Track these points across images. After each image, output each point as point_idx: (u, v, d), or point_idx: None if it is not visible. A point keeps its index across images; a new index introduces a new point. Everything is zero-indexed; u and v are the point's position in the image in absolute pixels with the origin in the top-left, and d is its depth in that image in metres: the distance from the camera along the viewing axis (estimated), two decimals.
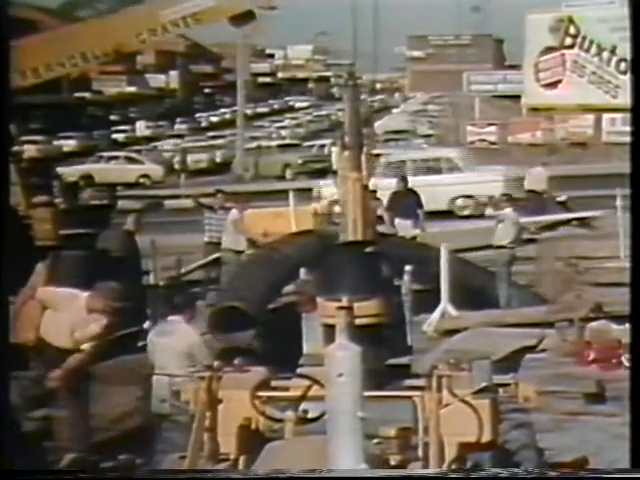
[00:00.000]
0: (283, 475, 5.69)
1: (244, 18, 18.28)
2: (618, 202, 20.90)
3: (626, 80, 38.94)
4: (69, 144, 50.43)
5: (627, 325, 15.00)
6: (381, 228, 16.05)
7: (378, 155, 31.53)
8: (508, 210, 19.04)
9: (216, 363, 6.98)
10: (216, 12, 17.58)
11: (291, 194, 24.80)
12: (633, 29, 6.83)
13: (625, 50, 38.73)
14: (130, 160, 45.64)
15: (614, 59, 39.56)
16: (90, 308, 11.90)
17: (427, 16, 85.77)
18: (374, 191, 15.21)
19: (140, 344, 15.01)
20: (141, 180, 43.38)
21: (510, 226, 18.77)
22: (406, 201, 21.74)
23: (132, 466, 10.29)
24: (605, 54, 39.75)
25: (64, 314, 12.14)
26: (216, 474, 6.04)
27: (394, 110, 67.11)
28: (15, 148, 17.73)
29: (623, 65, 39.19)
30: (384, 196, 20.19)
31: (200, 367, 9.73)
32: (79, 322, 12.31)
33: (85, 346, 11.79)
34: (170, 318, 11.43)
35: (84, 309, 12.17)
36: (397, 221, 19.46)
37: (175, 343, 11.01)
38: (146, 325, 15.26)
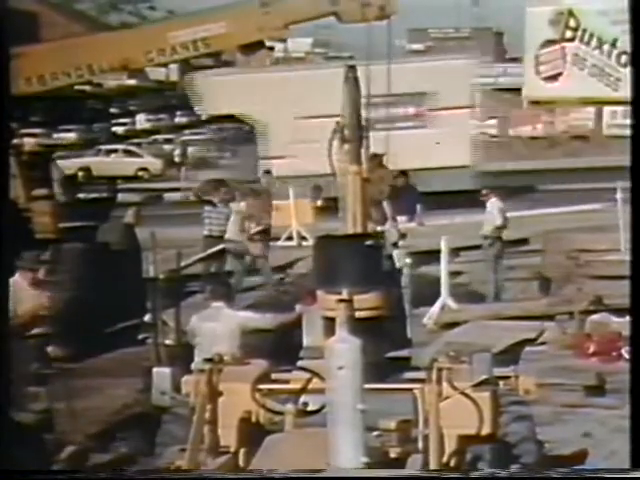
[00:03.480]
0: (281, 475, 5.66)
1: (254, 48, 18.34)
2: (618, 195, 20.89)
3: (627, 73, 38.95)
4: (69, 137, 50.30)
5: (627, 318, 15.06)
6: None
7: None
8: (494, 199, 19.02)
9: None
10: (227, 39, 17.61)
11: (291, 188, 24.84)
12: (633, 22, 6.82)
13: (626, 43, 38.75)
14: (129, 153, 45.62)
15: (615, 52, 39.40)
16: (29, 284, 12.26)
17: (427, 9, 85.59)
18: None
19: (140, 337, 15.04)
20: (140, 173, 43.36)
21: (494, 214, 18.75)
22: (405, 196, 21.74)
23: (131, 459, 10.32)
24: (606, 47, 39.62)
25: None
26: (216, 474, 6.02)
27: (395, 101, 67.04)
28: (15, 141, 17.71)
29: (624, 58, 39.04)
30: None
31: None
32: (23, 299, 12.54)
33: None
34: (213, 304, 11.48)
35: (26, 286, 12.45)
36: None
37: (222, 327, 11.15)
38: (146, 318, 15.25)
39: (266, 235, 19.51)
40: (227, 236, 19.72)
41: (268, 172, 25.96)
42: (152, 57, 17.68)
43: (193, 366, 10.45)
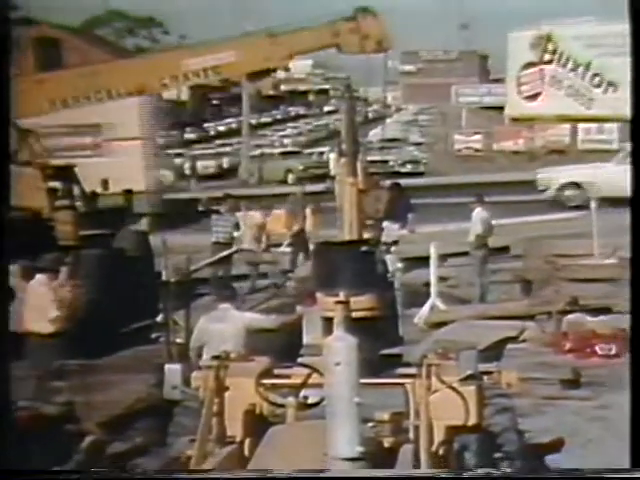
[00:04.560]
0: (281, 475, 5.62)
1: (259, 75, 18.41)
2: (592, 204, 20.92)
3: (599, 93, 39.01)
4: None
5: (601, 317, 15.06)
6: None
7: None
8: (478, 209, 19.03)
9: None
10: (235, 67, 17.66)
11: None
12: (633, 30, 6.61)
13: (598, 65, 38.79)
14: None
15: (588, 74, 39.58)
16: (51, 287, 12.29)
17: (418, 33, 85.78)
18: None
19: (153, 336, 15.03)
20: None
21: (478, 223, 18.76)
22: (398, 204, 21.71)
23: (145, 448, 10.30)
24: (580, 69, 39.77)
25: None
26: (216, 474, 5.90)
27: (388, 120, 67.00)
28: (40, 156, 17.74)
29: (597, 79, 39.23)
30: None
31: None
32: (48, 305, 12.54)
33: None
34: (221, 306, 11.46)
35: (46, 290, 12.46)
36: (385, 224, 19.42)
37: (229, 327, 11.12)
38: (158, 318, 15.23)
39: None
40: (243, 245, 19.76)
41: None
42: (166, 83, 17.74)
43: (201, 363, 10.47)
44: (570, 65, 39.96)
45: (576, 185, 29.22)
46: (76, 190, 18.40)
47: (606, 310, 15.61)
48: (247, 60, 17.35)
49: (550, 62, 40.67)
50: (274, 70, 20.38)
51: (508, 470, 7.08)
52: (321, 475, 5.56)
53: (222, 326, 11.21)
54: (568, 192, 29.20)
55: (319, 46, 17.56)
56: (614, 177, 29.40)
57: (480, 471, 6.44)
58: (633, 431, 6.48)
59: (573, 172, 30.79)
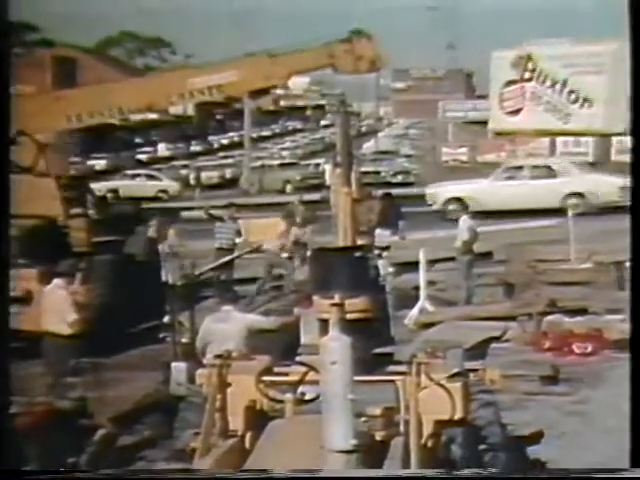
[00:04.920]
0: (281, 475, 5.58)
1: (260, 93, 18.45)
2: (569, 212, 20.94)
3: (575, 108, 39.02)
4: (100, 164, 50.37)
5: (577, 318, 15.05)
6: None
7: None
8: (464, 217, 19.04)
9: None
10: (238, 86, 17.62)
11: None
12: (633, 31, 6.47)
13: (574, 83, 38.81)
14: (151, 177, 45.56)
15: (565, 91, 39.58)
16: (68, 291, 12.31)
17: (408, 53, 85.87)
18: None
19: (160, 336, 14.99)
20: (160, 194, 43.28)
21: (464, 230, 18.78)
22: (389, 213, 21.69)
23: (153, 440, 10.27)
24: (557, 86, 39.76)
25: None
26: (216, 474, 5.84)
27: (380, 133, 66.98)
28: (56, 168, 17.72)
29: (573, 96, 39.23)
30: None
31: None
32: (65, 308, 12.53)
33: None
34: (224, 308, 11.44)
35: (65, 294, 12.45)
36: (377, 231, 19.42)
37: (231, 327, 11.08)
38: (165, 319, 15.20)
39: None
40: (264, 247, 19.79)
41: None
42: (173, 100, 17.74)
43: (205, 361, 10.45)
44: (548, 83, 39.98)
45: (458, 200, 29.41)
46: (89, 199, 18.38)
47: (582, 311, 15.62)
48: (248, 79, 17.34)
49: (530, 80, 40.66)
50: (274, 87, 20.38)
51: (493, 470, 7.05)
52: (321, 475, 5.53)
53: (225, 326, 11.18)
54: (451, 206, 29.40)
55: (316, 66, 17.54)
56: (490, 192, 29.68)
57: (479, 471, 6.40)
58: (633, 431, 6.30)
59: (455, 188, 31.03)
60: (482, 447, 7.39)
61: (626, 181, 25.01)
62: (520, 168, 31.52)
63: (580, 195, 29.54)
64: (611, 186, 28.27)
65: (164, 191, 43.89)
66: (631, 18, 6.50)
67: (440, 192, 30.76)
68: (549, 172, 31.16)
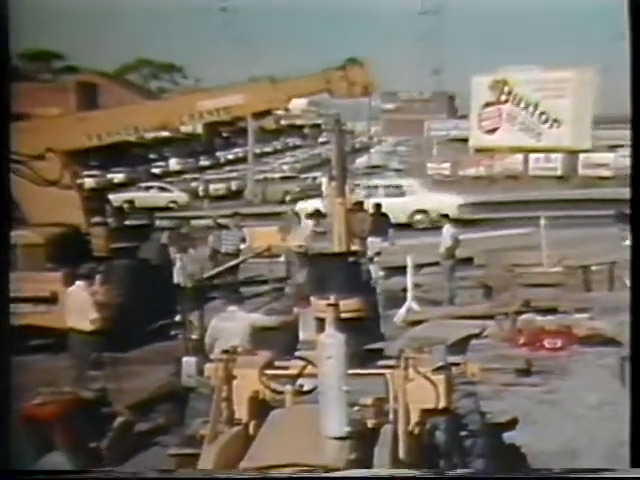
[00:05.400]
0: (281, 475, 5.48)
1: (263, 114, 18.55)
2: (541, 221, 20.93)
3: (546, 128, 39.08)
4: (118, 177, 50.23)
5: (548, 316, 15.04)
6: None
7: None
8: (447, 225, 19.03)
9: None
10: (243, 108, 17.69)
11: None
12: (633, 30, 6.08)
13: (544, 105, 38.84)
14: (162, 189, 45.44)
15: (537, 112, 39.65)
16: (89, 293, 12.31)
17: (397, 77, 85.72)
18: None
19: (172, 333, 14.98)
20: (170, 205, 43.18)
21: (447, 238, 18.78)
22: (379, 221, 21.67)
23: (166, 427, 10.25)
24: (530, 108, 39.80)
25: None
26: (214, 474, 5.71)
27: (371, 150, 66.91)
28: (79, 181, 17.77)
29: (543, 117, 39.29)
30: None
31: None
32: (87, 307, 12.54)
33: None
34: (230, 308, 11.41)
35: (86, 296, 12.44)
36: (369, 239, 19.41)
37: (236, 325, 11.07)
38: (177, 318, 15.18)
39: None
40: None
41: None
42: (184, 121, 17.80)
43: (213, 356, 10.43)
44: (522, 105, 40.01)
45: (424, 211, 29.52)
46: (108, 209, 18.40)
47: (553, 310, 15.59)
48: (252, 102, 17.37)
49: (506, 102, 40.71)
50: (275, 109, 20.48)
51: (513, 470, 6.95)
52: (321, 475, 5.50)
53: (231, 325, 11.16)
54: (417, 217, 29.51)
55: (313, 91, 17.56)
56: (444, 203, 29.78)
57: (470, 471, 6.33)
58: (633, 431, 6.14)
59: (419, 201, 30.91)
60: (463, 433, 7.37)
61: (464, 198, 24.95)
62: (376, 187, 31.68)
63: (424, 212, 29.69)
64: (451, 204, 28.47)
65: (174, 202, 43.77)
66: (631, 18, 6.18)
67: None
68: (400, 191, 31.43)
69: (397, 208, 27.73)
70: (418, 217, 29.62)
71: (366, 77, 16.89)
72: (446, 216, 20.70)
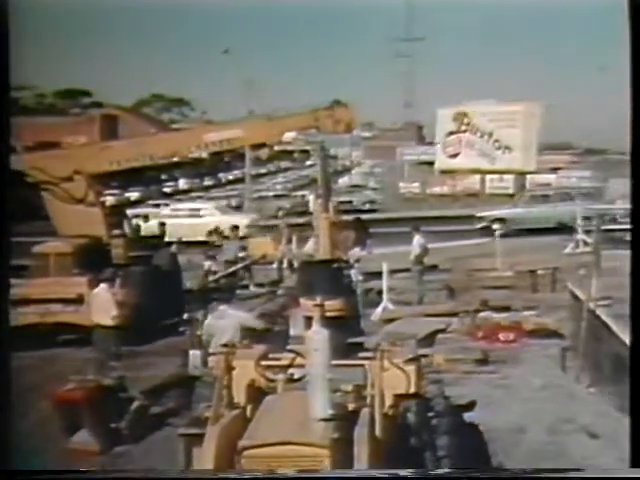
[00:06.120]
0: (281, 475, 5.34)
1: (260, 146, 18.61)
2: (496, 233, 20.99)
3: (499, 154, 39.28)
4: (134, 195, 50.05)
5: (502, 314, 15.07)
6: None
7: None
8: (417, 236, 19.03)
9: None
10: (242, 140, 17.77)
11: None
12: (633, 30, 5.51)
13: (497, 134, 39.02)
14: (162, 205, 45.02)
15: (491, 140, 39.88)
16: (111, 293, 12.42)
17: (375, 110, 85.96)
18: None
19: (181, 329, 14.91)
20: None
21: (417, 247, 18.78)
22: (359, 233, 21.60)
23: (176, 411, 10.19)
24: (486, 137, 39.99)
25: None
26: (218, 475, 5.53)
27: (352, 171, 66.88)
28: (101, 199, 17.76)
29: (497, 144, 39.51)
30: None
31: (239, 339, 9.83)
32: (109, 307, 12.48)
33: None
34: (221, 307, 11.32)
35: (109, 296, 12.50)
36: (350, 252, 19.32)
37: (227, 323, 10.95)
38: (185, 316, 15.12)
39: None
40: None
41: None
42: (192, 150, 17.80)
43: (211, 349, 10.38)
44: (479, 134, 40.15)
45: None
46: (126, 223, 18.34)
47: (506, 309, 15.63)
48: (251, 136, 17.48)
49: (465, 131, 40.82)
50: (270, 142, 20.57)
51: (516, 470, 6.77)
52: (321, 475, 5.44)
53: (222, 322, 11.01)
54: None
55: (304, 127, 17.64)
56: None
57: (458, 470, 6.20)
58: (633, 431, 5.76)
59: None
60: (430, 414, 7.35)
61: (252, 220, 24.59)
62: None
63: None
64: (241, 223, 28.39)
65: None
66: (631, 18, 5.61)
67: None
68: (195, 212, 31.92)
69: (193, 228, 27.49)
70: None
71: (349, 116, 16.99)
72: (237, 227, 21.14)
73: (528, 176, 40.73)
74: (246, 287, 19.57)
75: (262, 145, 19.38)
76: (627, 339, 10.15)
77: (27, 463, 6.70)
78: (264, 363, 6.70)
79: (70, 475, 6.14)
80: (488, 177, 42.76)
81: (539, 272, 18.36)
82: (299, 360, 6.40)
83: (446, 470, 6.05)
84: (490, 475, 6.08)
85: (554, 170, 43.44)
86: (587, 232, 21.64)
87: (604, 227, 15.54)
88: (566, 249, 22.08)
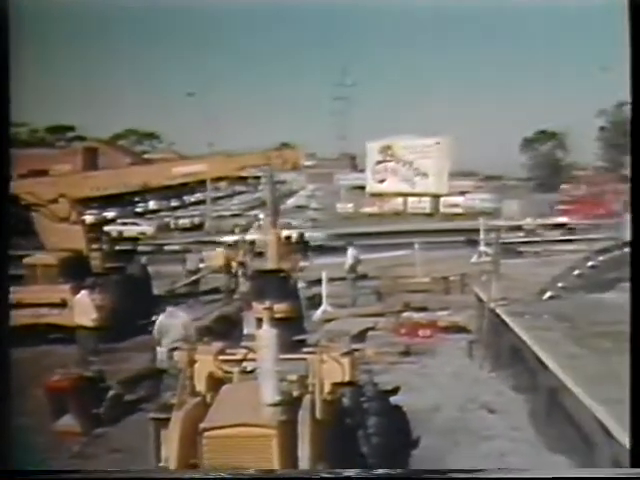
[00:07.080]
0: (281, 475, 5.21)
1: (222, 179, 18.59)
2: (416, 246, 21.20)
3: (418, 180, 39.79)
4: (110, 214, 49.33)
5: (421, 314, 15.21)
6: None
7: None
8: (351, 248, 19.08)
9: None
10: (206, 173, 17.82)
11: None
12: (633, 30, 4.82)
13: (417, 164, 39.56)
14: (134, 224, 44.36)
15: (412, 168, 40.49)
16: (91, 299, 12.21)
17: (316, 144, 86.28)
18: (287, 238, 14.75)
19: (150, 329, 14.71)
20: (140, 235, 41.94)
21: (350, 258, 18.85)
22: (303, 246, 21.63)
23: (147, 398, 10.04)
24: (407, 165, 40.58)
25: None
26: (214, 475, 5.31)
27: (297, 194, 66.95)
28: (82, 218, 17.53)
29: (416, 172, 40.10)
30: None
31: (191, 337, 9.70)
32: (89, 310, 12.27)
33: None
34: (169, 309, 11.15)
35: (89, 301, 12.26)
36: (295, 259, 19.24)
37: (175, 322, 10.78)
38: (153, 318, 14.92)
39: None
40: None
41: None
42: (161, 181, 17.66)
43: (164, 347, 10.26)
44: (401, 163, 40.71)
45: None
46: (103, 238, 18.14)
47: (424, 309, 15.78)
48: (213, 170, 17.58)
49: (391, 161, 41.33)
50: (229, 175, 20.55)
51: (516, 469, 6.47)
52: (321, 475, 5.35)
53: (171, 321, 10.83)
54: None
55: (257, 164, 17.66)
56: None
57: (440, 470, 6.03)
58: (633, 431, 5.08)
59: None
60: (362, 399, 7.37)
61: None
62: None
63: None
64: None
65: (142, 233, 42.67)
66: (631, 18, 4.91)
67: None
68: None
69: None
70: None
71: (295, 157, 17.21)
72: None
73: (442, 198, 41.56)
74: (207, 293, 19.39)
75: (225, 178, 19.41)
76: (522, 334, 10.40)
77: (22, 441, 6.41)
78: (221, 357, 6.66)
79: (70, 475, 5.76)
80: (409, 199, 43.42)
81: (451, 278, 18.62)
82: (251, 355, 6.38)
83: (387, 471, 5.86)
84: (433, 476, 5.78)
85: (462, 193, 44.22)
86: (488, 244, 21.99)
87: (501, 240, 15.80)
88: (472, 259, 22.41)
